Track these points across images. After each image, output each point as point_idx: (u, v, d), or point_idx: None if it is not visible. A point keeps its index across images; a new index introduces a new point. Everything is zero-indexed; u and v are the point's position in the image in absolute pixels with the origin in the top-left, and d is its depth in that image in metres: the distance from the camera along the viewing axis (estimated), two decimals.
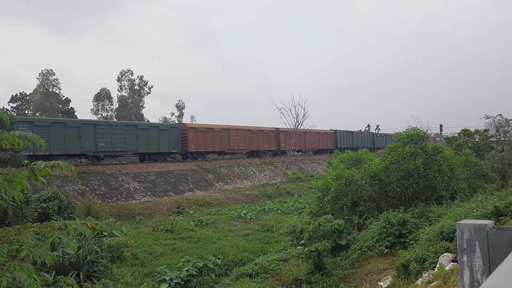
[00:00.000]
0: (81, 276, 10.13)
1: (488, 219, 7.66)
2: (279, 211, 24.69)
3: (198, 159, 37.83)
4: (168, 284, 12.54)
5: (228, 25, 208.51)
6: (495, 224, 3.21)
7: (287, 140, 41.89)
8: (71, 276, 9.33)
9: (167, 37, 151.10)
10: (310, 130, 42.23)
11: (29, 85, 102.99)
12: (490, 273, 2.95)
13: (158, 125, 34.66)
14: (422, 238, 9.52)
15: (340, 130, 55.82)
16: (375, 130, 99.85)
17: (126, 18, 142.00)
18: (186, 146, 35.50)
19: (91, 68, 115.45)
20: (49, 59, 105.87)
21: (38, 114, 57.87)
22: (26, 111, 61.56)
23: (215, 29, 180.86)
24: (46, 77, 64.56)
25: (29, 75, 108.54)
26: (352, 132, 58.28)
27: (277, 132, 45.03)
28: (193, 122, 36.89)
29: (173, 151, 34.78)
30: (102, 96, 71.20)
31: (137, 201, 25.30)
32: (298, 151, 48.63)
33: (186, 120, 78.64)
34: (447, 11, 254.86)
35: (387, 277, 9.41)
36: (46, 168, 4.47)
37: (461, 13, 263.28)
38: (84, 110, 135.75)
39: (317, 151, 52.94)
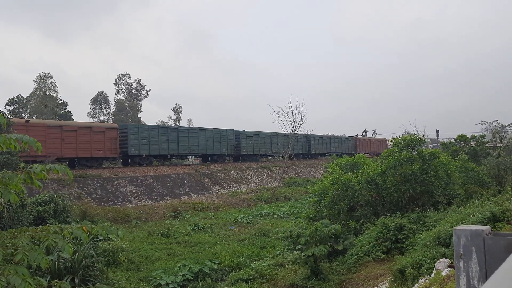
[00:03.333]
0: (76, 281, 10.06)
1: (484, 225, 7.68)
2: (276, 216, 24.65)
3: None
4: None
5: (225, 29, 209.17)
6: (492, 230, 3.21)
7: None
8: (66, 281, 9.27)
9: (163, 40, 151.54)
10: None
11: (26, 88, 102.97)
12: (486, 279, 2.95)
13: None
14: (419, 244, 9.52)
15: (136, 125, 34.66)
16: (372, 135, 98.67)
17: (122, 21, 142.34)
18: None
19: (87, 71, 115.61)
20: (45, 62, 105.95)
21: (34, 117, 57.71)
22: (23, 114, 61.41)
23: (212, 33, 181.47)
24: (44, 80, 64.50)
25: (25, 78, 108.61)
26: (166, 128, 35.58)
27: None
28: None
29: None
30: (99, 100, 71.13)
31: (133, 205, 25.21)
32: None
33: (183, 123, 78.60)
34: (442, 16, 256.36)
35: (383, 282, 9.40)
36: (43, 171, 4.45)
37: (453, 15, 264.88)
38: (80, 113, 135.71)
39: (73, 160, 28.03)
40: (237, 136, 40.84)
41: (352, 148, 58.98)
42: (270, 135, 44.94)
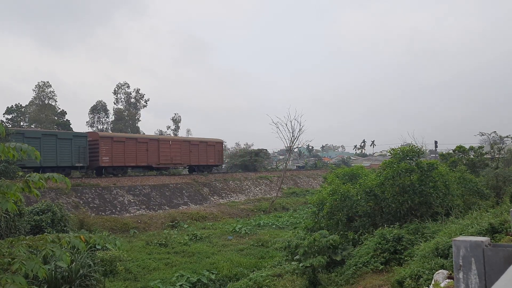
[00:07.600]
0: None
1: (483, 236, 7.64)
2: (274, 226, 24.57)
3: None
4: None
5: (223, 38, 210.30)
6: (491, 241, 3.20)
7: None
8: None
9: (160, 50, 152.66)
10: None
11: (22, 97, 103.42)
12: None
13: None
14: (417, 255, 9.48)
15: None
16: (371, 145, 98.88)
17: (117, 31, 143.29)
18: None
19: (84, 80, 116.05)
20: (41, 71, 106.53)
21: (33, 126, 57.69)
22: (22, 123, 61.34)
23: (209, 43, 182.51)
24: (42, 89, 64.56)
25: (21, 87, 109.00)
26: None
27: None
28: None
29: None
30: (98, 109, 71.14)
31: (131, 214, 25.10)
32: None
33: (182, 133, 78.63)
34: (439, 27, 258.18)
35: None
36: (41, 180, 4.44)
37: (450, 26, 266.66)
38: (79, 122, 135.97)
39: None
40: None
41: (79, 157, 27.79)
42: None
